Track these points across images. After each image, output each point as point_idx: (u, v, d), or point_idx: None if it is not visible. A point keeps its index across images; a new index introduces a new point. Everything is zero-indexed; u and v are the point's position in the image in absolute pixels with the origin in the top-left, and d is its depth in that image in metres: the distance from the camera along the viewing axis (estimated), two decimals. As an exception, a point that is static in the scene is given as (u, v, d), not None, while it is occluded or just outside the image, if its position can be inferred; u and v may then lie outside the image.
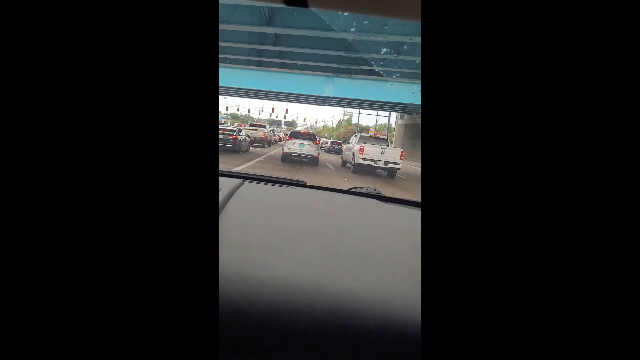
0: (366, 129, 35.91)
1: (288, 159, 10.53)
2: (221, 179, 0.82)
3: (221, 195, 0.69)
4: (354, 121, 49.82)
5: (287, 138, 11.00)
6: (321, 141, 25.21)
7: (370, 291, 0.44)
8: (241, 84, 14.49)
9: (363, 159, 9.33)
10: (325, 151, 21.62)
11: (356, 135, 11.07)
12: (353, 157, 9.94)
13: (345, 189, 1.10)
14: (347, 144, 11.55)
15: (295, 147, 10.66)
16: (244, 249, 0.50)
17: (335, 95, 13.95)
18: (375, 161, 9.27)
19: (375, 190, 1.08)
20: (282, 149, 10.77)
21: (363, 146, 9.41)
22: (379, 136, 10.99)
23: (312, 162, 10.50)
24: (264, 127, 17.67)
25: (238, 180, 0.89)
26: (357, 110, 34.23)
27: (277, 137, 24.44)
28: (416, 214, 0.87)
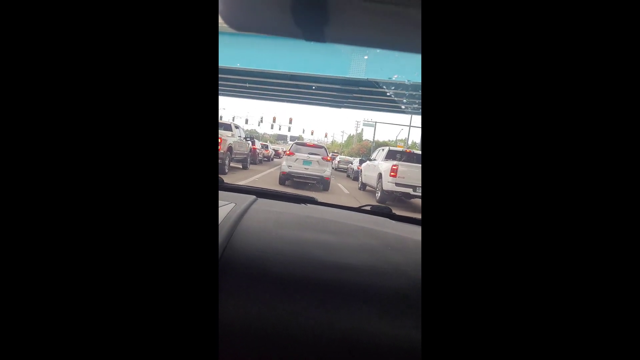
0: (384, 144, 32.43)
1: (288, 181, 7.51)
2: (235, 195, 0.88)
3: (235, 212, 0.69)
4: (366, 136, 46.62)
5: (288, 152, 7.84)
6: (337, 159, 20.07)
7: (378, 306, 0.46)
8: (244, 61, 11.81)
9: (397, 184, 6.29)
10: (333, 169, 18.47)
11: (382, 150, 8.03)
12: (379, 181, 6.90)
13: (355, 206, 1.12)
14: (369, 162, 8.55)
15: (298, 164, 7.50)
16: (259, 263, 0.51)
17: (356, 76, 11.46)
18: (414, 187, 6.21)
19: (386, 208, 1.08)
20: (281, 167, 7.72)
21: (396, 165, 6.36)
22: (414, 151, 7.88)
23: (321, 185, 7.48)
24: (230, 128, 8.75)
25: (252, 197, 0.91)
26: (368, 121, 30.92)
27: (268, 153, 17.31)
28: None
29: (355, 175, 12.19)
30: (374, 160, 8.13)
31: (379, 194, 6.79)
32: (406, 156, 7.41)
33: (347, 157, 21.27)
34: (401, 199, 6.58)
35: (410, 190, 6.26)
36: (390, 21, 0.34)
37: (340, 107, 20.45)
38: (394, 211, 1.05)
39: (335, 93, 15.17)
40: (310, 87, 14.46)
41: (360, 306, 0.45)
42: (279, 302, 0.44)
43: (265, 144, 18.11)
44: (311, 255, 0.56)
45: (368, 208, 1.08)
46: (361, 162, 11.58)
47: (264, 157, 15.95)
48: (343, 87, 13.99)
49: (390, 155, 7.42)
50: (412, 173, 6.22)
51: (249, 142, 10.22)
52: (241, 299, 0.43)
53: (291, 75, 13.14)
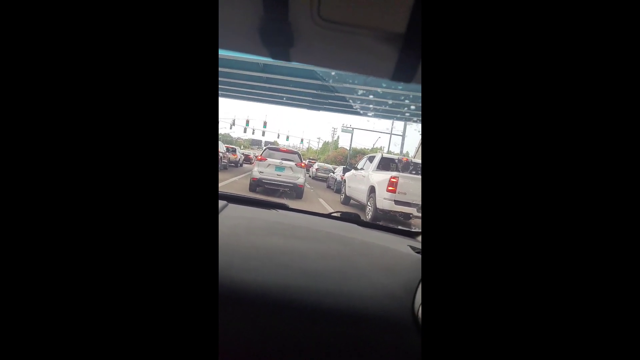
0: (361, 152, 31.17)
1: (259, 188, 6.98)
2: None
3: None
4: (342, 143, 45.75)
5: (259, 157, 7.40)
6: (315, 166, 17.73)
7: (345, 312, 0.48)
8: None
9: (396, 201, 4.90)
10: (311, 177, 16.76)
11: (372, 157, 6.65)
12: (371, 195, 5.52)
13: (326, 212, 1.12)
14: (354, 172, 7.16)
15: (270, 170, 7.10)
16: (225, 269, 0.50)
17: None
18: (418, 207, 4.85)
19: (354, 215, 1.09)
20: (252, 173, 7.32)
21: (396, 178, 4.95)
22: (413, 160, 6.53)
23: (294, 193, 7.12)
24: None
25: (222, 202, 0.89)
26: (346, 127, 29.81)
27: (235, 157, 15.28)
28: (393, 239, 0.91)
29: (338, 187, 10.49)
30: (361, 169, 6.73)
31: (371, 213, 5.36)
32: (403, 166, 6.08)
33: (326, 164, 18.85)
34: (398, 219, 5.18)
35: (413, 210, 4.88)
36: (355, 48, 0.36)
37: (319, 109, 19.17)
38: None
39: (314, 92, 14.10)
40: (285, 83, 13.59)
41: (323, 314, 0.46)
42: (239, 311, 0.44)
43: (232, 147, 15.85)
44: (278, 261, 0.57)
45: (338, 215, 1.12)
46: (345, 170, 10.03)
47: (230, 162, 13.82)
48: (320, 91, 13.25)
49: (384, 165, 6.06)
50: (416, 188, 4.84)
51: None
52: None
53: (263, 65, 11.93)
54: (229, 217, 0.80)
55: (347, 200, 7.35)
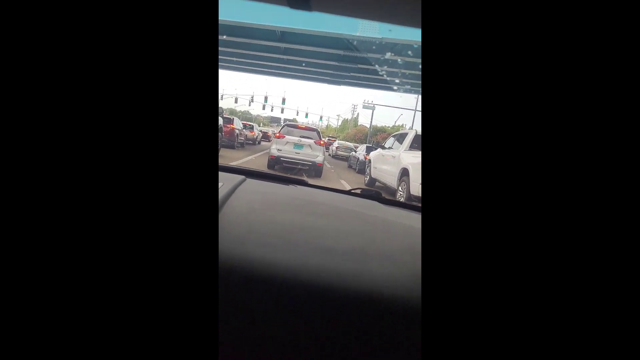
0: (382, 129, 29.84)
1: (277, 166, 6.74)
2: (224, 175, 0.84)
3: (223, 191, 0.67)
4: (362, 121, 44.34)
5: (277, 135, 7.21)
6: (335, 144, 16.58)
7: (365, 291, 0.44)
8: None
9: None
10: (330, 156, 15.95)
11: (400, 137, 5.80)
12: (402, 180, 4.79)
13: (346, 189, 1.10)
14: (381, 151, 6.35)
15: (288, 148, 6.86)
16: (242, 244, 0.50)
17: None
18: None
19: (375, 192, 1.05)
20: (269, 150, 7.11)
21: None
22: None
23: (312, 171, 6.75)
24: None
25: (240, 177, 0.89)
26: (368, 103, 28.44)
27: (253, 135, 14.28)
28: (416, 217, 0.86)
29: (360, 167, 9.56)
30: (389, 149, 5.93)
31: (403, 200, 4.65)
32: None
33: (347, 142, 17.56)
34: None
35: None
36: None
37: (340, 84, 18.13)
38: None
39: (335, 63, 13.12)
40: (304, 54, 12.77)
41: (342, 294, 0.43)
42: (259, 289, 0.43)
43: (249, 124, 15.09)
44: (297, 238, 0.55)
45: (358, 191, 1.06)
46: (368, 150, 8.97)
47: (247, 140, 13.19)
48: (342, 63, 12.31)
49: (419, 144, 5.25)
50: None
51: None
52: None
53: (281, 32, 11.03)
54: (247, 191, 0.77)
55: (372, 182, 6.63)
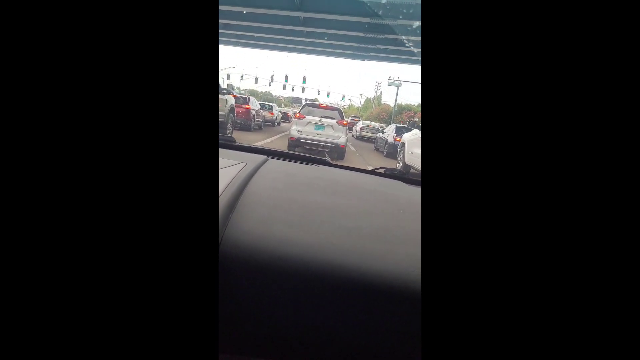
0: (407, 108, 28.45)
1: (298, 148, 6.29)
2: (246, 155, 0.86)
3: (246, 171, 0.68)
4: (385, 99, 42.76)
5: (297, 115, 6.79)
6: (359, 124, 15.49)
7: (391, 273, 0.43)
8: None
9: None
10: (354, 137, 15.19)
11: None
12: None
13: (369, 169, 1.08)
14: (416, 132, 5.63)
15: (309, 129, 6.47)
16: (266, 224, 0.49)
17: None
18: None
19: (399, 171, 1.08)
20: (290, 132, 6.81)
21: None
22: None
23: (335, 153, 6.34)
24: None
25: (263, 157, 0.89)
26: (393, 79, 27.09)
27: (272, 115, 13.50)
28: None
29: (389, 150, 8.62)
30: None
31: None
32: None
33: (372, 123, 16.37)
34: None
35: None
36: None
37: (364, 58, 17.18)
38: None
39: (360, 34, 12.20)
40: (325, 24, 11.94)
41: (365, 276, 0.42)
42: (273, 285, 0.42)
43: (268, 104, 14.46)
44: (321, 218, 0.54)
45: (381, 171, 1.05)
46: (399, 131, 8.17)
47: (266, 121, 12.57)
48: (367, 34, 11.40)
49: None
50: None
51: (225, 97, 6.87)
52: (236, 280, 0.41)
53: (300, 1, 10.28)
54: (270, 170, 0.77)
55: (406, 170, 5.52)
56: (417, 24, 10.18)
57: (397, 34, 11.56)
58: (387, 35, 12.05)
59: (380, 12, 10.14)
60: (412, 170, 5.58)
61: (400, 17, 10.07)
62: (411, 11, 9.57)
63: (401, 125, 9.79)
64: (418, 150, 5.28)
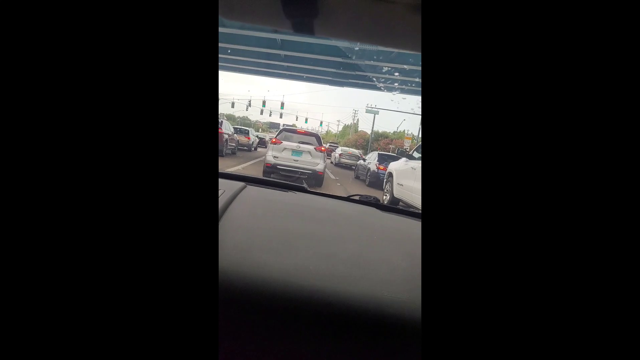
0: (384, 135, 28.81)
1: (274, 174, 5.99)
2: (224, 182, 0.85)
3: (224, 198, 0.69)
4: (362, 127, 43.52)
5: (274, 140, 6.45)
6: (338, 150, 15.06)
7: (365, 297, 0.45)
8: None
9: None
10: (333, 163, 14.48)
11: None
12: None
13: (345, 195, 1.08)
14: (407, 162, 4.99)
15: (285, 155, 6.20)
16: (244, 250, 0.51)
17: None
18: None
19: (373, 198, 1.07)
20: (265, 157, 6.46)
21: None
22: None
23: (312, 180, 6.15)
24: None
25: (241, 184, 0.90)
26: (371, 107, 27.54)
27: (248, 140, 13.42)
28: (413, 223, 0.88)
29: (372, 179, 8.04)
30: (419, 159, 4.55)
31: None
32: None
33: (352, 149, 15.99)
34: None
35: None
36: (383, 19, 0.34)
37: (342, 85, 17.28)
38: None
39: (334, 70, 12.88)
40: (304, 61, 12.71)
41: (341, 299, 0.43)
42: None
43: (244, 129, 14.09)
44: (298, 244, 0.56)
45: (357, 197, 1.07)
46: (381, 158, 7.72)
47: (241, 145, 12.13)
48: (342, 70, 12.31)
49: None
50: None
51: None
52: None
53: (282, 41, 10.97)
54: (248, 198, 0.78)
55: (395, 204, 4.48)
56: (386, 68, 11.35)
57: (368, 73, 12.45)
58: (358, 72, 12.95)
59: (352, 56, 11.07)
60: (400, 204, 4.87)
61: (373, 58, 10.84)
62: (381, 57, 10.23)
63: (384, 152, 9.46)
64: (409, 182, 4.65)
